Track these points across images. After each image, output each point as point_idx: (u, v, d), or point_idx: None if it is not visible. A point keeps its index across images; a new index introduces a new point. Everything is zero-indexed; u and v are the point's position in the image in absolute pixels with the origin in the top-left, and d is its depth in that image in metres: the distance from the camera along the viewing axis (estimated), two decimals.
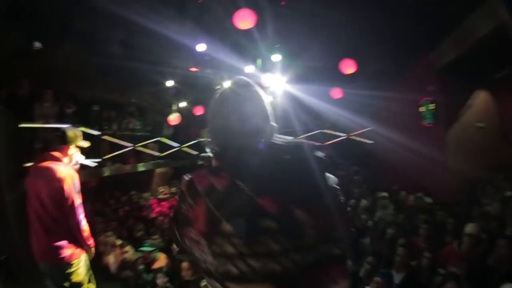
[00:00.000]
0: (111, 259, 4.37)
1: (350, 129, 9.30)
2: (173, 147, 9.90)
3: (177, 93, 10.29)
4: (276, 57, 7.81)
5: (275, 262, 0.75)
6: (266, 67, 8.22)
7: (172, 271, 4.06)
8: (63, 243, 2.27)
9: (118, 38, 6.88)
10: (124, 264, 4.35)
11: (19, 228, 4.37)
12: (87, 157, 5.55)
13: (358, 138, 9.40)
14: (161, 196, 8.92)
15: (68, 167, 2.42)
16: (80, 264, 2.37)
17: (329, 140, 9.80)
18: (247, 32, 5.33)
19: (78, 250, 2.36)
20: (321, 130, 9.85)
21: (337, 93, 7.89)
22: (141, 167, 8.68)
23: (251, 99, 0.99)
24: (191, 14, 6.17)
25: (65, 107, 6.64)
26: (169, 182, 10.64)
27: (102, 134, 7.27)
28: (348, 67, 6.15)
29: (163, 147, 9.65)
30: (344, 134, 9.69)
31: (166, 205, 8.07)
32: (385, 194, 5.86)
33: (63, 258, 2.26)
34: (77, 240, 2.36)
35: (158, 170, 9.99)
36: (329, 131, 9.83)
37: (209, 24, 6.62)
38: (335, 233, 0.83)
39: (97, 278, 3.43)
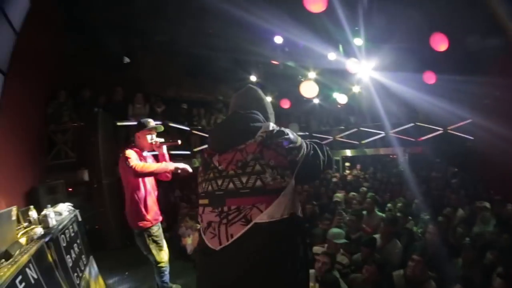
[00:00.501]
0: (189, 241, 4.94)
1: (446, 121, 7.60)
2: None
3: (262, 88, 10.59)
4: (358, 41, 6.97)
5: None
6: (349, 53, 7.43)
7: None
8: (143, 213, 2.96)
9: (198, 41, 7.62)
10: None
11: (112, 204, 5.67)
12: (178, 149, 6.67)
13: (456, 133, 7.54)
14: None
15: (134, 148, 2.96)
16: (157, 231, 3.08)
17: (423, 135, 8.19)
18: (324, 16, 5.11)
19: (151, 220, 3.02)
20: (414, 123, 8.32)
21: (429, 77, 6.44)
22: None
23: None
24: (267, 5, 6.13)
25: (155, 107, 7.73)
26: None
27: (192, 129, 8.22)
28: (440, 43, 4.91)
29: None
30: (440, 128, 8.07)
31: None
32: (486, 204, 4.61)
33: (142, 225, 2.96)
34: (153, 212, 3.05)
35: None
36: (423, 125, 8.21)
37: (285, 14, 6.50)
38: None
39: (174, 256, 4.08)
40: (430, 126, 8.38)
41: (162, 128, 3.18)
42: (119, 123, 6.55)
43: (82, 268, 3.20)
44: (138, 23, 7.09)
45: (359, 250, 3.64)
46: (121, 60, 8.00)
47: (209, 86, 10.31)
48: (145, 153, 3.09)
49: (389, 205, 5.61)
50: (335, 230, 3.82)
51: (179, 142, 3.23)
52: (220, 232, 1.13)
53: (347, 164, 12.49)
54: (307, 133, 11.60)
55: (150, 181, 3.10)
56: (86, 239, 3.63)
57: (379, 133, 9.77)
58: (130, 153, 2.83)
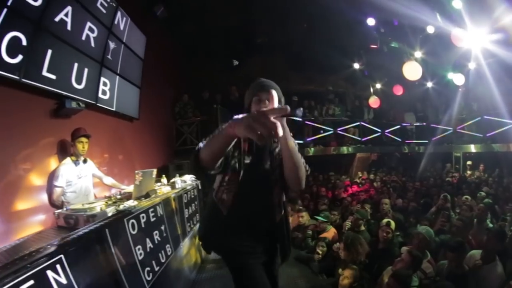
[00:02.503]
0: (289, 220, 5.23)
1: None
2: (375, 132, 9.69)
3: (369, 75, 9.84)
4: (457, 3, 5.63)
5: None
6: (453, 21, 6.08)
7: (333, 245, 4.21)
8: None
9: (296, 38, 7.81)
10: (297, 226, 5.11)
11: None
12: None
13: None
14: (356, 180, 9.02)
15: None
16: None
17: None
18: None
19: None
20: None
21: None
22: (341, 150, 9.17)
23: None
24: None
25: None
26: (368, 168, 10.48)
27: (304, 120, 8.52)
28: None
29: (365, 132, 9.65)
30: None
31: (357, 188, 8.15)
32: None
33: None
34: None
35: (359, 155, 10.07)
36: None
37: None
38: None
39: None
40: None
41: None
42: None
43: (195, 222, 4.10)
44: (241, 30, 8.08)
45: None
46: (232, 63, 9.12)
47: (317, 78, 10.43)
48: None
49: (508, 215, 4.44)
50: (428, 228, 3.34)
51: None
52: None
53: (468, 162, 10.03)
54: (424, 124, 10.17)
55: None
56: (202, 204, 4.54)
57: (510, 123, 7.64)
58: None
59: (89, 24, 3.66)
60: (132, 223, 2.43)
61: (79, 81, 3.47)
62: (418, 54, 7.78)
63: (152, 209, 2.75)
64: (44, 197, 3.16)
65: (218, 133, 1.16)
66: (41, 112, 3.19)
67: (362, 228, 4.28)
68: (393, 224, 3.72)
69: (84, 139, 3.29)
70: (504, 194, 6.06)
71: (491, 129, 8.30)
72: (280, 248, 1.67)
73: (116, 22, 4.37)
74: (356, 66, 9.56)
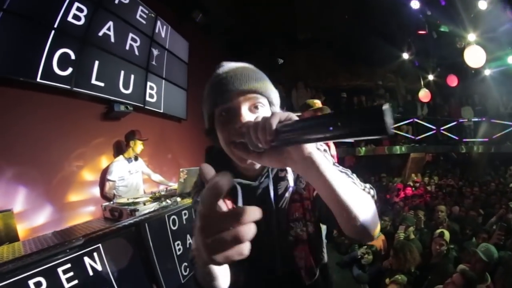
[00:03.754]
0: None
1: None
2: (430, 130, 8.86)
3: (420, 65, 8.93)
4: None
5: None
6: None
7: (379, 254, 3.97)
8: None
9: (339, 31, 7.44)
10: None
11: None
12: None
13: None
14: (410, 183, 8.29)
15: None
16: None
17: None
18: None
19: None
20: None
21: None
22: (394, 150, 8.52)
23: None
24: None
25: (316, 97, 8.08)
26: (423, 169, 9.54)
27: None
28: None
29: (419, 129, 8.87)
30: None
31: (411, 192, 7.47)
32: None
33: None
34: None
35: (413, 156, 9.25)
36: None
37: None
38: None
39: None
40: None
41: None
42: None
43: None
44: (283, 27, 8.00)
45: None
46: (276, 61, 9.07)
47: (365, 72, 9.87)
48: None
49: None
50: (489, 246, 2.84)
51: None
52: None
53: None
54: (483, 119, 8.91)
55: None
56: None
57: None
58: None
59: (131, 35, 3.95)
60: (173, 219, 2.54)
61: (126, 87, 3.77)
62: (472, 37, 6.65)
63: (195, 207, 2.84)
64: (94, 191, 3.49)
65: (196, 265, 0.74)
66: (92, 115, 3.53)
67: (412, 236, 3.89)
68: (447, 235, 3.35)
69: (140, 142, 3.63)
70: None
71: None
72: None
73: (157, 30, 4.65)
74: (405, 56, 8.70)
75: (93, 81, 3.27)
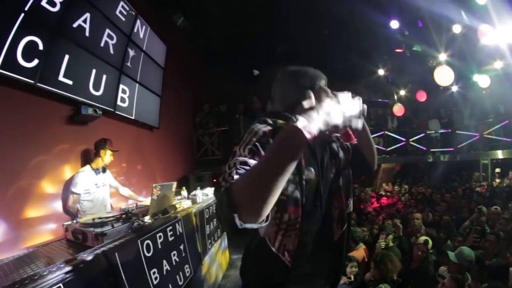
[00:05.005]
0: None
1: None
2: (400, 141, 9.27)
3: (393, 81, 9.43)
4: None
5: None
6: (479, 18, 5.73)
7: (363, 265, 3.86)
8: None
9: (316, 45, 7.62)
10: None
11: None
12: None
13: None
14: (382, 193, 8.53)
15: None
16: None
17: None
18: None
19: None
20: None
21: None
22: None
23: None
24: None
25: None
26: (393, 179, 9.95)
27: None
28: None
29: (389, 141, 9.25)
30: None
31: (385, 201, 7.66)
32: None
33: None
34: None
35: (384, 166, 9.60)
36: None
37: None
38: None
39: None
40: None
41: None
42: None
43: (216, 239, 3.84)
44: (261, 39, 7.98)
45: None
46: (252, 73, 9.01)
47: (338, 86, 10.04)
48: None
49: None
50: (465, 250, 3.06)
51: None
52: None
53: (497, 170, 9.22)
54: (449, 130, 9.59)
55: None
56: None
57: None
58: None
59: (108, 31, 3.59)
60: (147, 245, 2.17)
61: (97, 88, 3.37)
62: (443, 56, 7.32)
63: (170, 227, 2.50)
64: (56, 206, 3.02)
65: (272, 151, 0.76)
66: (56, 117, 3.08)
67: (391, 244, 3.96)
68: (430, 243, 3.54)
69: (111, 152, 3.22)
70: None
71: None
72: (335, 272, 1.24)
73: (135, 30, 4.31)
74: (381, 72, 9.19)
75: (61, 78, 2.85)
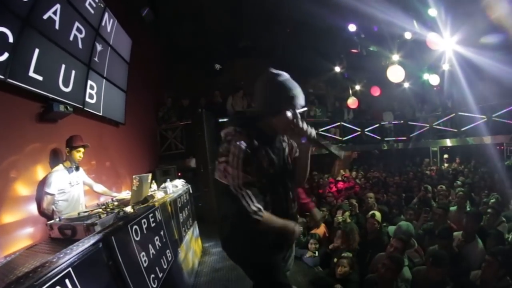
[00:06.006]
0: None
1: None
2: (355, 131, 10.04)
3: (349, 77, 10.20)
4: (433, 12, 6.25)
5: None
6: (429, 27, 6.66)
7: (324, 240, 4.47)
8: None
9: (279, 41, 7.99)
10: None
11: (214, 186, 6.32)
12: None
13: None
14: (339, 178, 9.24)
15: None
16: None
17: None
18: None
19: None
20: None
21: None
22: (323, 150, 9.27)
23: None
24: None
25: (252, 104, 8.33)
26: (350, 165, 10.80)
27: None
28: None
29: (346, 131, 9.97)
30: None
31: (341, 185, 8.36)
32: None
33: None
34: None
35: None
36: None
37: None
38: None
39: None
40: None
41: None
42: (220, 120, 7.48)
43: (188, 227, 4.07)
44: (225, 34, 8.20)
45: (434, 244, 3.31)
46: (214, 67, 9.14)
47: (298, 81, 10.51)
48: None
49: (484, 200, 5.01)
50: (403, 224, 3.69)
51: None
52: None
53: (445, 156, 10.83)
54: (402, 122, 10.75)
55: None
56: (193, 208, 4.55)
57: (481, 118, 8.34)
58: None
59: (77, 24, 3.48)
60: (135, 229, 2.34)
61: (66, 84, 3.29)
62: (395, 57, 8.27)
63: (151, 214, 2.67)
64: (31, 208, 2.95)
65: (275, 225, 1.51)
66: (27, 115, 2.98)
67: (348, 220, 4.52)
68: (377, 215, 3.97)
69: (82, 149, 3.19)
70: (479, 183, 6.66)
71: (464, 125, 8.95)
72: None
73: (103, 23, 4.20)
74: (338, 69, 9.89)
75: (31, 73, 2.73)
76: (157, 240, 2.68)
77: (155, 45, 7.57)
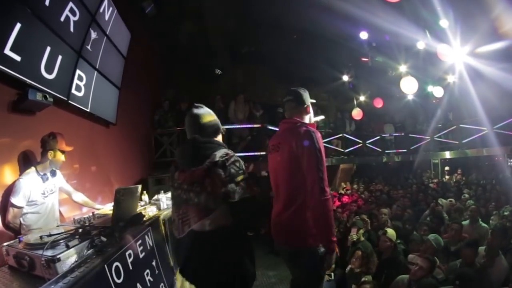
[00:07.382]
0: None
1: None
2: (357, 143, 9.76)
3: (354, 88, 9.99)
4: (444, 23, 6.12)
5: None
6: (439, 39, 6.52)
7: (339, 259, 3.96)
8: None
9: (284, 48, 7.72)
10: None
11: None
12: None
13: None
14: (341, 191, 8.84)
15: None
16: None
17: None
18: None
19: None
20: None
21: None
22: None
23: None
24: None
25: (254, 111, 8.04)
26: (351, 178, 10.44)
27: None
28: None
29: (347, 143, 9.68)
30: None
31: (346, 199, 7.94)
32: None
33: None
34: None
35: (342, 166, 10.02)
36: None
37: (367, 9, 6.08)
38: None
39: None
40: None
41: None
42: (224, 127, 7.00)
43: None
44: (228, 38, 7.89)
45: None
46: (214, 72, 8.80)
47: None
48: None
49: (494, 213, 4.92)
50: (437, 236, 3.57)
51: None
52: (179, 226, 1.55)
53: (446, 168, 10.62)
54: (402, 134, 10.63)
55: None
56: None
57: (482, 130, 8.24)
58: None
59: (71, 4, 3.01)
60: (117, 268, 1.75)
61: (49, 70, 2.76)
62: (403, 68, 8.09)
63: (140, 241, 2.12)
64: None
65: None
66: None
67: (362, 238, 4.14)
68: (390, 232, 3.76)
69: (63, 153, 2.64)
70: (484, 195, 6.53)
71: (465, 137, 8.85)
72: None
73: (101, 10, 3.73)
74: (345, 78, 9.70)
75: (7, 51, 2.23)
76: (147, 274, 2.10)
77: (155, 44, 7.08)
